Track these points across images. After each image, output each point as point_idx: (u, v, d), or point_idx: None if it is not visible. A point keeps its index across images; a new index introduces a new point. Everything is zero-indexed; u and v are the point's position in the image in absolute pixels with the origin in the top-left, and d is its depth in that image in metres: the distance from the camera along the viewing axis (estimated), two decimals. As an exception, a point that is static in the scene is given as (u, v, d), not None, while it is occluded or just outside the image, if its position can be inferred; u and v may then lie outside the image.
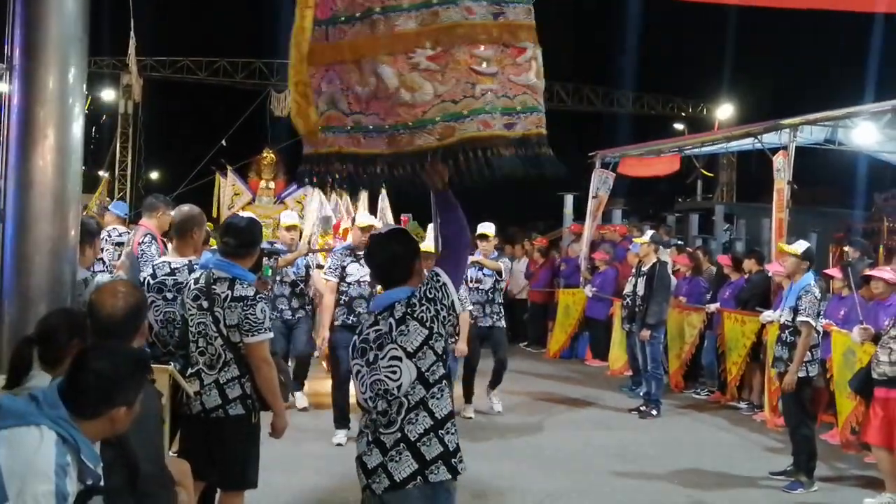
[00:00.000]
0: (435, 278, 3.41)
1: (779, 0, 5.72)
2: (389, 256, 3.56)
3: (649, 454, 8.15)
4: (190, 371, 4.59)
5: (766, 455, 8.19)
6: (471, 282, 9.48)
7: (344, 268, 7.77)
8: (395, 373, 3.35)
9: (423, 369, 3.35)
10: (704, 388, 11.34)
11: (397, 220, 8.63)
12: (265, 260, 5.06)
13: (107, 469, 2.94)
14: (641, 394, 10.43)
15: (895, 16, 11.54)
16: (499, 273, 9.52)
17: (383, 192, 10.57)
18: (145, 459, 3.30)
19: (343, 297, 7.70)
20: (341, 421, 7.81)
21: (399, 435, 3.36)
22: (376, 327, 3.45)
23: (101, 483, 2.84)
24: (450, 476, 3.39)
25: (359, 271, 7.68)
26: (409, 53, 3.15)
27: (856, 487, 7.24)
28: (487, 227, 9.62)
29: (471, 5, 3.18)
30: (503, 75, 3.22)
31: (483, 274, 9.46)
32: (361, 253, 7.13)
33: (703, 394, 11.20)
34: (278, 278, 8.84)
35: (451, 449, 3.40)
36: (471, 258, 9.30)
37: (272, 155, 15.81)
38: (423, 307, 3.36)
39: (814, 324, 7.12)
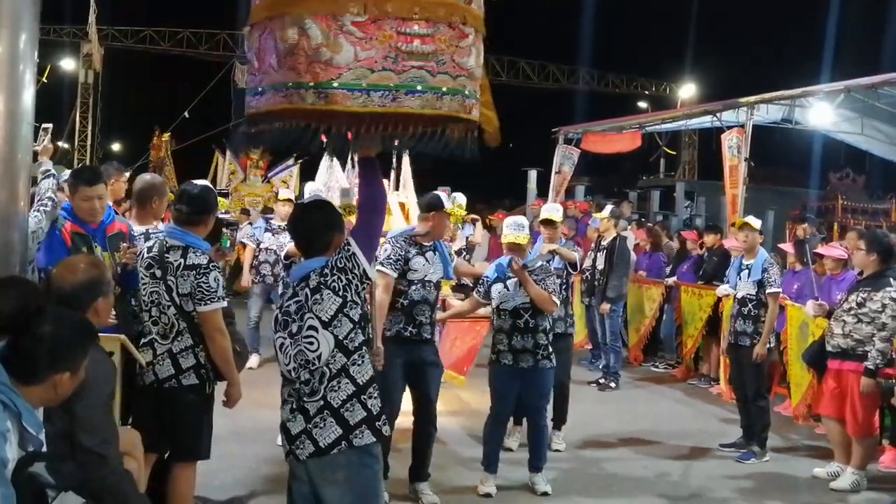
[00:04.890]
0: (345, 248, 3.43)
1: None
2: (310, 227, 3.58)
3: (607, 426, 8.25)
4: (143, 341, 4.55)
5: (721, 427, 8.31)
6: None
7: (407, 260, 5.87)
8: (311, 343, 3.38)
9: (340, 337, 3.38)
10: (662, 362, 11.50)
11: (425, 191, 6.95)
12: (224, 230, 5.01)
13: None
14: (600, 367, 10.54)
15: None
16: (572, 265, 7.54)
17: (406, 162, 9.40)
18: (83, 429, 3.26)
19: (401, 301, 5.85)
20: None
21: (322, 402, 3.39)
22: (296, 298, 3.46)
23: (44, 449, 2.80)
24: (374, 439, 3.43)
25: (425, 268, 5.89)
26: (337, 16, 3.12)
27: (807, 457, 7.40)
28: (554, 212, 7.66)
29: None
30: (446, 55, 3.19)
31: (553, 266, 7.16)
32: (429, 244, 5.98)
33: (661, 367, 11.36)
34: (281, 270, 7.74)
35: (374, 413, 3.45)
36: (548, 246, 7.42)
37: None
38: (335, 277, 3.38)
39: (782, 294, 7.24)
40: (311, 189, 8.53)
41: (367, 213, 3.58)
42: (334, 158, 8.44)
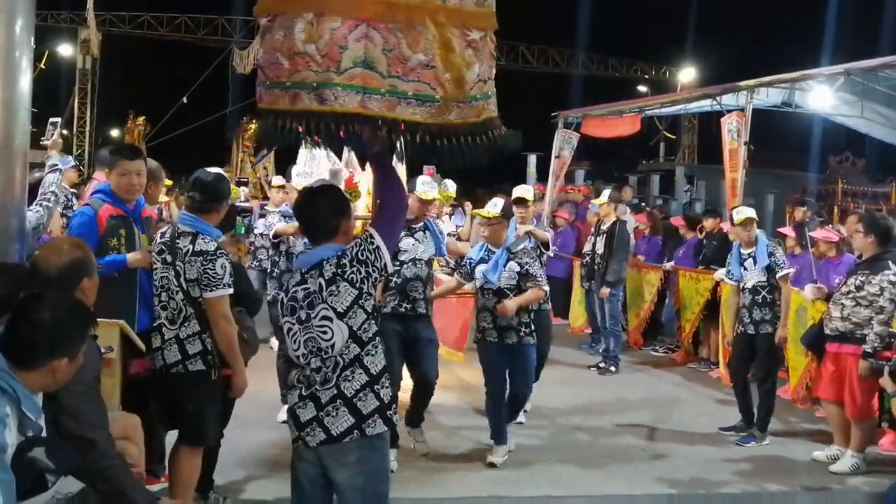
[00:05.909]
0: (368, 240, 3.42)
1: None
2: (315, 211, 3.55)
3: (607, 409, 8.28)
4: (153, 325, 4.58)
5: (720, 410, 8.34)
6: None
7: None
8: (325, 333, 3.38)
9: (354, 328, 3.39)
10: (662, 346, 11.53)
11: (416, 174, 7.14)
12: (239, 217, 5.02)
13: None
14: (600, 351, 10.57)
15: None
16: (545, 245, 7.77)
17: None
18: (68, 415, 3.23)
19: (394, 280, 6.21)
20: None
21: (335, 392, 3.40)
22: (304, 286, 3.44)
23: (43, 434, 2.81)
24: (386, 428, 3.46)
25: (415, 247, 6.30)
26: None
27: (806, 441, 7.40)
28: (526, 191, 7.94)
29: None
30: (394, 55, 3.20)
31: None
32: (419, 225, 6.39)
33: (661, 351, 11.38)
34: (292, 250, 8.15)
35: (386, 402, 3.47)
36: (522, 227, 7.56)
37: (254, 124, 16.00)
38: (354, 268, 3.37)
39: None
40: (297, 171, 8.54)
41: (389, 209, 3.59)
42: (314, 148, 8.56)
